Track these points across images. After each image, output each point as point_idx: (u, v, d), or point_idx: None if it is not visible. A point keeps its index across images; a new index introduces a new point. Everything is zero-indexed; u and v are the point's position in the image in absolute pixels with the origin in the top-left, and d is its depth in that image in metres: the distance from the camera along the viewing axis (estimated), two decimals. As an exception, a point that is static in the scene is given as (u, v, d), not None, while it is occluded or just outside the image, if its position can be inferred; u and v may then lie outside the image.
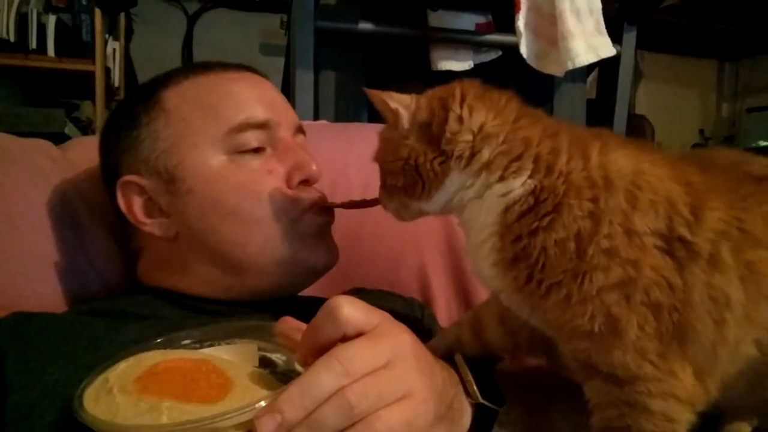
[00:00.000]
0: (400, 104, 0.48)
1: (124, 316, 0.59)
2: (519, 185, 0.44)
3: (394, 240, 0.85)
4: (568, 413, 0.54)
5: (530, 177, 0.44)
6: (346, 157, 0.89)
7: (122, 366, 0.42)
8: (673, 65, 5.11)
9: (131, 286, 0.68)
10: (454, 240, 0.87)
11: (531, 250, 0.43)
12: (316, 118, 1.36)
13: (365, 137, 0.93)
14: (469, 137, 0.45)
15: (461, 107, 0.46)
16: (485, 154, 0.45)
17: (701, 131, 5.21)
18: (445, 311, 0.85)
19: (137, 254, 0.68)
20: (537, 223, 0.42)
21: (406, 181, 0.48)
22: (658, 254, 0.41)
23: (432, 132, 0.47)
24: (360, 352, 0.38)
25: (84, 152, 0.77)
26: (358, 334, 0.39)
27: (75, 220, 0.71)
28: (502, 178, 0.44)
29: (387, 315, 0.42)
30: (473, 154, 0.45)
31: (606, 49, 1.26)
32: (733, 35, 4.63)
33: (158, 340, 0.48)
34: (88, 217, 0.71)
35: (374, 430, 0.36)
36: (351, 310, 0.39)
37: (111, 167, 0.67)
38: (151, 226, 0.63)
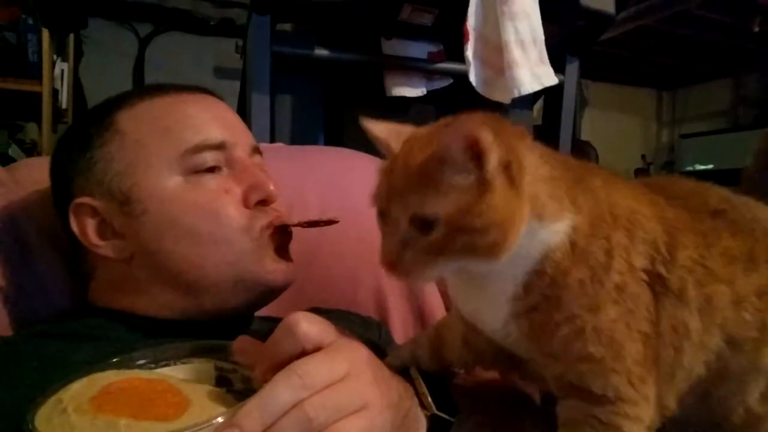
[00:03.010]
0: (485, 140, 0.38)
1: (76, 338, 0.58)
2: (562, 229, 0.42)
3: (351, 260, 0.86)
4: (524, 423, 0.56)
5: (569, 219, 0.42)
6: (303, 179, 0.90)
7: (75, 386, 0.42)
8: (615, 94, 5.38)
9: (82, 308, 0.67)
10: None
11: (558, 290, 0.42)
12: (272, 141, 1.37)
13: (322, 159, 0.95)
14: (530, 179, 0.41)
15: (520, 144, 0.41)
16: (541, 197, 0.41)
17: (643, 156, 5.48)
18: (401, 330, 0.86)
19: (89, 276, 0.67)
20: (569, 264, 0.41)
21: (495, 237, 0.39)
22: (646, 288, 0.43)
23: (512, 173, 0.39)
24: (318, 366, 0.39)
25: (32, 173, 0.75)
26: (316, 350, 0.40)
27: (23, 242, 0.69)
28: (548, 223, 0.42)
29: (344, 330, 0.43)
30: (533, 198, 0.41)
31: (549, 78, 1.32)
32: (670, 67, 4.93)
33: (112, 360, 0.47)
34: (37, 239, 0.70)
35: None
36: (309, 326, 0.41)
37: (63, 189, 0.66)
38: (104, 248, 0.63)
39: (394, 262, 0.42)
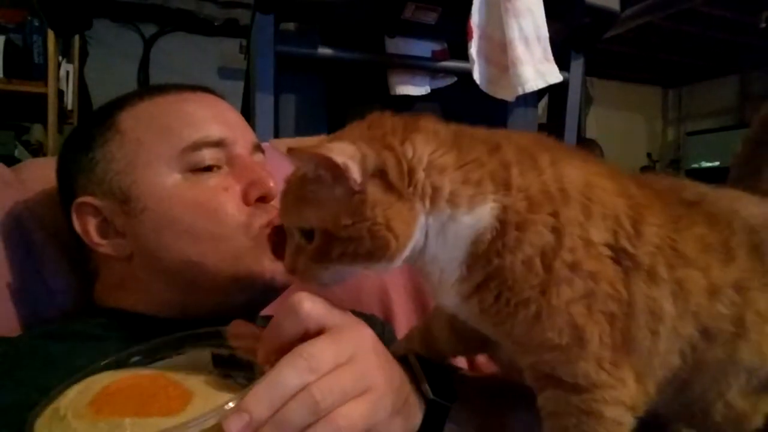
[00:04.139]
0: (344, 155, 0.40)
1: (80, 339, 0.58)
2: (487, 212, 0.41)
3: (353, 259, 0.86)
4: (521, 413, 0.55)
5: (494, 201, 0.41)
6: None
7: (72, 393, 0.41)
8: (620, 91, 5.35)
9: (87, 308, 0.67)
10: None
11: (500, 271, 0.41)
12: (275, 140, 1.37)
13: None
14: (423, 175, 0.41)
15: (403, 144, 0.42)
16: (446, 187, 0.41)
17: (648, 154, 5.45)
18: (405, 328, 0.86)
19: (93, 276, 0.67)
20: (503, 244, 0.41)
21: (374, 243, 0.41)
22: (610, 265, 0.42)
23: (389, 178, 0.41)
24: (324, 349, 0.38)
25: (37, 174, 0.76)
26: (320, 330, 0.40)
27: (29, 243, 0.69)
28: (468, 209, 0.41)
29: (347, 312, 0.43)
30: (435, 191, 0.41)
31: (553, 75, 1.32)
32: (675, 64, 4.90)
33: (105, 362, 0.47)
34: (42, 240, 0.70)
35: (337, 426, 0.37)
36: (312, 306, 0.41)
37: (67, 189, 0.66)
38: (106, 246, 0.63)
39: (291, 269, 0.46)
